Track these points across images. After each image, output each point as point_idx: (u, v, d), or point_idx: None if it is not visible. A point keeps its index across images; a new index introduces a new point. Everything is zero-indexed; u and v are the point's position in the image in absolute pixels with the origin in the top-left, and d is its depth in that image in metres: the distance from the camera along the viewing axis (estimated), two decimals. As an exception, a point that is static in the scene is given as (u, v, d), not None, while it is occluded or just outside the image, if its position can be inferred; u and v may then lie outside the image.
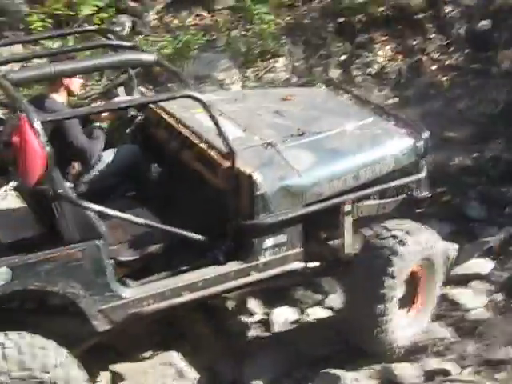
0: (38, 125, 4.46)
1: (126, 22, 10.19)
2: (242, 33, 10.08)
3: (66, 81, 5.51)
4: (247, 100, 6.30)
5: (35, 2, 10.42)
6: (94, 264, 4.80)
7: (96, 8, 9.80)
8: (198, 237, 5.21)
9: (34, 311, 5.04)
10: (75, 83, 5.66)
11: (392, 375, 5.73)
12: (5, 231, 5.12)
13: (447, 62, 9.50)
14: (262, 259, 5.48)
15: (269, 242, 5.43)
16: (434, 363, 5.91)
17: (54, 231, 4.82)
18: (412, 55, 9.68)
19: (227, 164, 5.20)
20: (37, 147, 4.44)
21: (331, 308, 6.60)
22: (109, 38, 6.02)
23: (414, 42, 9.80)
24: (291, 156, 5.58)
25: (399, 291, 5.74)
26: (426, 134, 6.14)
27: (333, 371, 5.69)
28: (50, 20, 9.89)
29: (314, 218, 5.66)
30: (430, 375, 5.78)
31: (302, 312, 6.58)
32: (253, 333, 6.22)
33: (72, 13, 9.99)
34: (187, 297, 5.21)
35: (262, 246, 5.44)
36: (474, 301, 6.64)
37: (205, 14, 10.59)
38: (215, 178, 5.45)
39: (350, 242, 5.87)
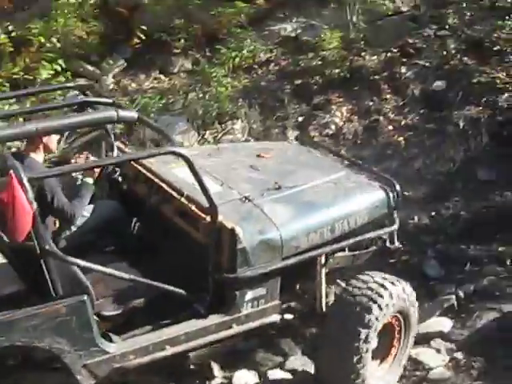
0: (25, 182, 4.50)
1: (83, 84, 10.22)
2: (200, 95, 10.08)
3: (45, 139, 5.50)
4: (222, 154, 6.41)
5: None
6: (79, 319, 4.84)
7: (53, 72, 9.85)
8: (180, 291, 5.25)
9: (17, 367, 5.02)
10: (54, 141, 5.69)
11: None
12: None
13: (403, 122, 9.57)
14: (243, 312, 5.58)
15: (249, 294, 5.53)
16: (398, 424, 6.14)
17: (37, 287, 4.91)
18: (368, 116, 9.76)
19: (208, 218, 5.29)
20: (25, 203, 4.47)
21: (292, 370, 6.49)
22: (86, 95, 6.32)
23: (371, 103, 9.88)
24: (269, 210, 5.69)
25: (374, 343, 5.79)
26: (397, 187, 6.31)
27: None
28: (7, 84, 9.80)
29: (291, 270, 5.74)
30: None
31: (263, 375, 6.40)
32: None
33: (30, 77, 9.88)
34: (170, 351, 5.25)
35: (243, 299, 5.52)
36: (435, 360, 6.62)
37: (162, 77, 10.69)
38: (196, 232, 5.52)
39: (324, 294, 5.98)
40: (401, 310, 5.96)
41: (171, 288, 5.26)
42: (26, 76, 9.97)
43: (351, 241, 6.01)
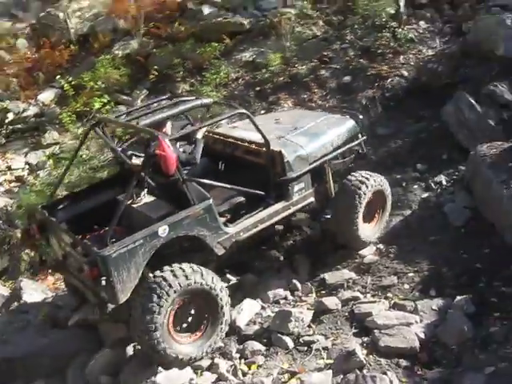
0: (168, 141, 5.65)
1: (123, 109, 10.38)
2: None
3: (166, 125, 6.30)
4: (258, 120, 6.80)
5: (63, 105, 11.44)
6: (210, 215, 5.91)
7: (102, 103, 10.65)
8: (258, 192, 6.46)
9: (174, 253, 5.93)
10: (168, 127, 6.39)
11: (323, 305, 6.39)
12: (153, 212, 6.03)
13: (327, 105, 10.22)
14: (295, 198, 6.79)
15: (296, 188, 6.77)
16: (347, 294, 6.61)
17: (180, 204, 5.84)
18: (305, 104, 10.40)
19: (265, 149, 6.51)
20: (171, 153, 5.62)
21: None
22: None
23: (305, 96, 10.64)
24: (295, 140, 6.99)
25: (363, 209, 7.08)
26: (360, 117, 7.93)
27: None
28: (74, 115, 10.67)
29: (315, 171, 6.98)
30: (345, 302, 6.46)
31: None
32: None
33: (87, 109, 10.78)
34: (260, 227, 6.44)
35: (293, 191, 6.75)
36: (367, 250, 7.44)
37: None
38: (259, 159, 6.70)
39: (332, 185, 7.23)
40: (379, 190, 7.22)
41: (253, 191, 6.43)
42: (85, 108, 10.87)
43: (340, 150, 7.30)
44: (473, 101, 8.97)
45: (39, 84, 12.48)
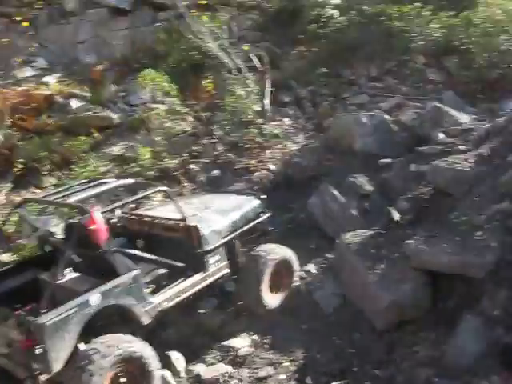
0: (99, 215, 6.00)
1: None
2: None
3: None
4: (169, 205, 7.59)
5: None
6: (137, 285, 6.22)
7: None
8: (179, 264, 6.76)
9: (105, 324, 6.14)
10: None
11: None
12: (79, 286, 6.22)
13: None
14: (211, 270, 7.18)
15: (211, 260, 7.19)
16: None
17: (107, 275, 6.09)
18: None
19: (182, 224, 6.97)
20: (103, 226, 6.00)
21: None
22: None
23: (175, 190, 10.34)
24: (207, 216, 7.48)
25: (267, 280, 7.56)
26: (263, 197, 8.42)
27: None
28: None
29: (227, 245, 7.46)
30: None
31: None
32: None
33: None
34: (181, 297, 6.77)
35: (209, 263, 7.15)
36: (241, 343, 7.37)
37: (37, 191, 10.79)
38: (177, 233, 7.10)
39: (240, 258, 7.71)
40: (284, 260, 7.75)
41: (173, 262, 6.76)
42: None
43: (250, 225, 7.86)
44: (336, 192, 9.36)
45: None
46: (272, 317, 7.74)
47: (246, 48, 13.16)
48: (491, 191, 7.52)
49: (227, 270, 7.47)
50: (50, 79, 13.74)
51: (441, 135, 9.91)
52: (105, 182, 7.22)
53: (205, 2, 13.91)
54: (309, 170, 10.44)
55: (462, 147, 9.13)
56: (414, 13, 13.60)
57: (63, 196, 6.95)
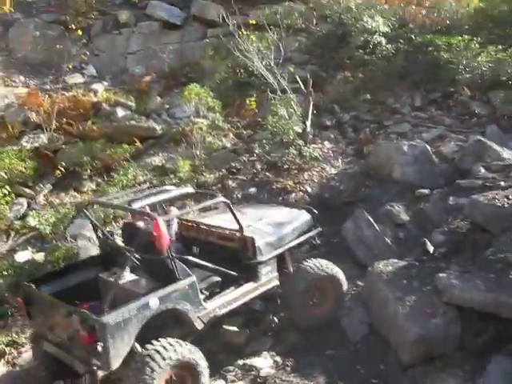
0: (163, 223, 6.19)
1: (24, 202, 10.69)
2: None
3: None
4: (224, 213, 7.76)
5: None
6: (193, 291, 6.41)
7: (2, 194, 10.23)
8: (232, 273, 6.97)
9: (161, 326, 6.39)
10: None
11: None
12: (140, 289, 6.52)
13: None
14: (263, 280, 7.26)
15: (264, 270, 7.27)
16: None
17: (166, 279, 6.34)
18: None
19: (239, 234, 7.13)
20: (166, 234, 6.19)
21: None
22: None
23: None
24: (262, 228, 7.58)
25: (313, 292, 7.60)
26: (315, 211, 8.30)
27: None
28: None
29: (278, 256, 7.49)
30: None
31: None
32: None
33: None
34: (234, 305, 6.91)
35: (261, 273, 7.25)
36: (263, 363, 7.29)
37: (76, 194, 11.12)
38: (233, 243, 7.28)
39: (291, 267, 7.71)
40: (330, 276, 7.70)
41: (228, 271, 6.95)
42: None
43: (302, 239, 7.89)
44: (371, 219, 9.19)
45: None
46: (297, 339, 7.67)
47: (291, 69, 13.09)
48: (531, 230, 7.32)
49: (277, 282, 7.52)
50: (99, 87, 14.10)
51: (482, 170, 9.72)
52: (166, 190, 7.38)
53: (255, 21, 13.92)
54: (345, 194, 10.35)
55: (502, 183, 8.95)
56: (463, 45, 13.41)
57: (128, 201, 7.18)
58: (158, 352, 5.90)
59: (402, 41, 14.31)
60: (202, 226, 7.87)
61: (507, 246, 7.28)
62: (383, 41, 14.31)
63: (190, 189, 7.69)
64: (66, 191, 11.26)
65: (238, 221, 7.06)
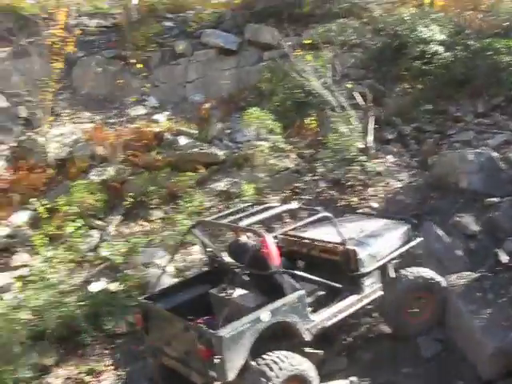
0: (271, 239, 6.53)
1: (96, 234, 10.94)
2: (170, 232, 10.52)
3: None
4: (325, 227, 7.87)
5: (36, 227, 11.00)
6: (301, 304, 6.60)
7: (75, 227, 10.17)
8: (337, 285, 7.10)
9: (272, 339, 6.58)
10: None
11: None
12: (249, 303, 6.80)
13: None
14: (366, 291, 7.36)
15: (367, 282, 7.36)
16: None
17: (272, 293, 6.53)
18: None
19: (341, 247, 7.27)
20: (275, 249, 6.50)
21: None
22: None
23: (277, 226, 10.05)
24: (363, 240, 7.64)
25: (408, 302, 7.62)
26: (413, 221, 8.41)
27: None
28: (46, 238, 9.97)
29: (380, 267, 7.52)
30: None
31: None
32: None
33: (60, 232, 10.40)
34: (338, 317, 7.02)
35: (365, 285, 7.33)
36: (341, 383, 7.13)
37: (145, 223, 11.33)
38: (335, 256, 7.41)
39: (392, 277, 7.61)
40: (428, 284, 7.60)
41: (333, 284, 7.11)
42: (57, 232, 10.50)
43: (403, 249, 7.87)
44: (440, 231, 9.05)
45: (14, 205, 12.29)
46: (372, 357, 7.61)
47: (349, 86, 13.12)
48: None
49: (381, 292, 7.55)
50: (160, 117, 14.49)
51: (552, 174, 9.42)
52: (271, 207, 7.67)
53: (309, 41, 14.00)
54: (412, 208, 10.16)
55: None
56: (523, 47, 13.06)
57: (235, 220, 7.40)
58: (274, 363, 6.15)
59: (459, 47, 14.01)
60: (305, 241, 8.06)
61: None
62: (440, 49, 14.05)
63: (294, 205, 8.02)
64: (136, 221, 11.48)
65: (340, 234, 7.22)
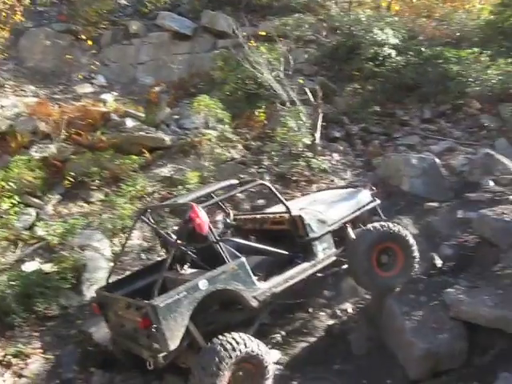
0: (200, 207, 6.55)
1: (32, 212, 10.57)
2: (110, 216, 10.50)
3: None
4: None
5: None
6: (243, 271, 6.67)
7: (11, 204, 10.23)
8: (288, 253, 7.27)
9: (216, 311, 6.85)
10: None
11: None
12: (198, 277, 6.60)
13: None
14: (320, 257, 7.46)
15: (319, 247, 7.45)
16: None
17: (214, 262, 6.61)
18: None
19: (287, 216, 7.39)
20: (203, 216, 6.51)
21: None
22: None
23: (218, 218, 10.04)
24: (313, 208, 7.77)
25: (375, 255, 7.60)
26: (373, 188, 8.61)
27: None
28: None
29: (335, 232, 7.68)
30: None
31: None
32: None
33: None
34: (289, 283, 7.10)
35: (317, 250, 7.44)
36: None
37: (85, 205, 11.06)
38: (284, 225, 7.55)
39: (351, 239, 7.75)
40: (395, 235, 7.66)
41: (281, 251, 7.25)
42: None
43: (357, 213, 8.04)
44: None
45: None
46: (305, 352, 7.67)
47: (301, 81, 13.20)
48: (539, 246, 7.31)
49: (335, 258, 7.69)
50: (108, 97, 14.15)
51: (491, 183, 9.73)
52: (209, 185, 8.07)
53: (264, 33, 13.99)
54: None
55: (511, 197, 8.91)
56: (472, 58, 13.45)
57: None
58: (228, 343, 6.22)
59: (411, 53, 14.34)
60: (256, 216, 8.35)
61: (515, 262, 7.26)
62: (393, 53, 14.33)
63: (233, 181, 8.00)
64: (75, 201, 11.24)
65: (282, 201, 7.41)
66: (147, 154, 12.05)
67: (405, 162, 10.55)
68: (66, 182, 11.29)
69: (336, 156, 12.23)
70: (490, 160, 10.27)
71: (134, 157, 11.71)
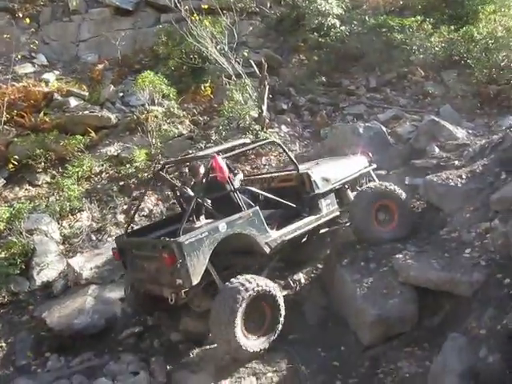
0: (221, 159, 6.94)
1: None
2: (57, 198, 10.45)
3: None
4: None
5: None
6: (257, 219, 7.21)
7: None
8: (295, 206, 7.78)
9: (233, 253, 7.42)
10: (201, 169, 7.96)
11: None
12: None
13: None
14: (324, 211, 8.08)
15: (324, 203, 8.08)
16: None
17: (233, 210, 7.06)
18: (168, 200, 10.48)
19: (295, 173, 8.03)
20: (224, 164, 6.99)
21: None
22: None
23: (169, 193, 10.38)
24: (318, 168, 8.30)
25: (374, 213, 8.05)
26: (370, 155, 9.10)
27: None
28: None
29: (337, 191, 8.33)
30: None
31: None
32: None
33: None
34: (297, 233, 7.66)
35: (322, 205, 8.06)
36: None
37: (31, 188, 10.94)
38: (292, 182, 8.16)
39: (350, 199, 8.39)
40: (390, 193, 8.11)
41: (292, 205, 7.76)
42: None
43: (356, 174, 8.69)
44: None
45: None
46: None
47: (246, 54, 13.13)
48: (483, 208, 7.47)
49: (338, 213, 8.29)
50: (50, 76, 13.81)
51: (436, 149, 9.87)
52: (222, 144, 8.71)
53: (207, 6, 13.81)
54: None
55: (456, 162, 9.12)
56: (416, 26, 13.57)
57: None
58: (245, 281, 6.77)
59: (355, 22, 14.42)
60: (266, 176, 8.85)
61: (460, 226, 7.42)
62: (337, 23, 14.38)
63: (247, 140, 8.47)
64: (21, 185, 11.07)
65: (290, 158, 8.11)
66: (93, 134, 11.88)
67: (352, 131, 10.65)
68: (10, 165, 11.09)
69: (284, 128, 12.25)
70: (435, 127, 10.44)
71: (80, 137, 11.53)
